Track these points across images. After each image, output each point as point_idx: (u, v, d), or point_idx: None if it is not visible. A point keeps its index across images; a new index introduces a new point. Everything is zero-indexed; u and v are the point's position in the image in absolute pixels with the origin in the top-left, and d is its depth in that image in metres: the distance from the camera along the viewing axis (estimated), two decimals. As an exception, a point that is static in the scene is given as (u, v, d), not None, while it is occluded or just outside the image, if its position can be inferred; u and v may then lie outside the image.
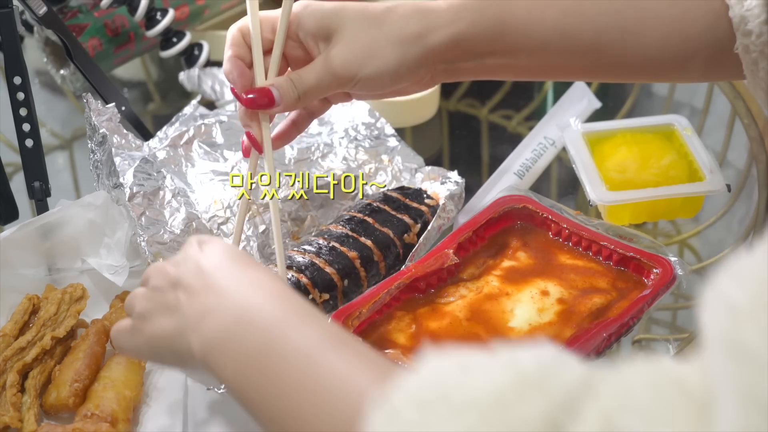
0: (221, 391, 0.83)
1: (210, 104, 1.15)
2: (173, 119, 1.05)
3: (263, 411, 0.62)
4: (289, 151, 1.02)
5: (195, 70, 1.15)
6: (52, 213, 0.95)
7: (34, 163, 1.02)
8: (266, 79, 0.83)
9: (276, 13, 0.83)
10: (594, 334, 0.81)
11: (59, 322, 0.88)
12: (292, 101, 0.82)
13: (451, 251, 0.90)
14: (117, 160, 0.94)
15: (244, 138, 0.84)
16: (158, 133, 1.04)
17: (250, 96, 0.82)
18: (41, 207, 1.01)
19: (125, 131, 0.98)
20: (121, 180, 0.93)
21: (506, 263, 0.91)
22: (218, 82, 1.13)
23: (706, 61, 0.83)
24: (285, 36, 0.82)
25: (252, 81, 0.83)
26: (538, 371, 0.50)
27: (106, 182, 0.95)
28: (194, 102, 1.08)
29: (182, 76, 1.14)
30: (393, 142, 1.06)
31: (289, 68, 0.85)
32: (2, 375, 0.83)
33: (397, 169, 1.04)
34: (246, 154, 0.85)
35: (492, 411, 0.49)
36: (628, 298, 0.86)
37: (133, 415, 0.83)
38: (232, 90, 0.83)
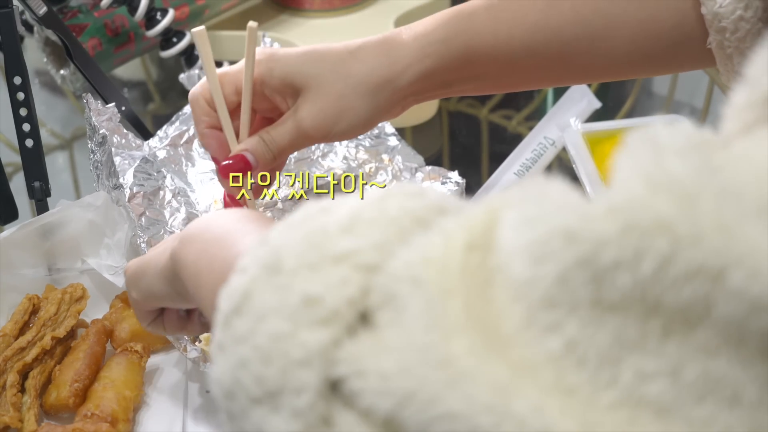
0: None
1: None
2: (173, 118, 1.05)
3: (203, 284, 0.62)
4: None
5: (195, 71, 1.15)
6: (52, 213, 0.95)
7: (34, 163, 1.02)
8: (237, 141, 0.82)
9: (234, 71, 0.81)
10: (594, 334, 0.81)
11: (59, 322, 0.88)
12: (268, 162, 0.81)
13: (451, 251, 0.90)
14: (117, 160, 0.94)
15: (225, 196, 0.85)
16: (158, 132, 1.04)
17: (227, 163, 0.81)
18: (41, 207, 1.01)
19: (125, 131, 0.98)
20: (121, 180, 0.93)
21: (506, 263, 0.90)
22: None
23: (675, 56, 0.82)
24: (251, 99, 0.81)
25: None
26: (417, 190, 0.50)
27: (106, 182, 0.95)
28: None
29: (182, 76, 1.14)
30: (393, 141, 1.06)
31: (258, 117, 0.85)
32: (2, 375, 0.83)
33: (398, 169, 1.04)
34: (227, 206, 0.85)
35: (374, 200, 0.49)
36: (628, 298, 0.85)
37: (133, 415, 0.83)
38: (214, 159, 0.83)
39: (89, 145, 0.97)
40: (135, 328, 0.89)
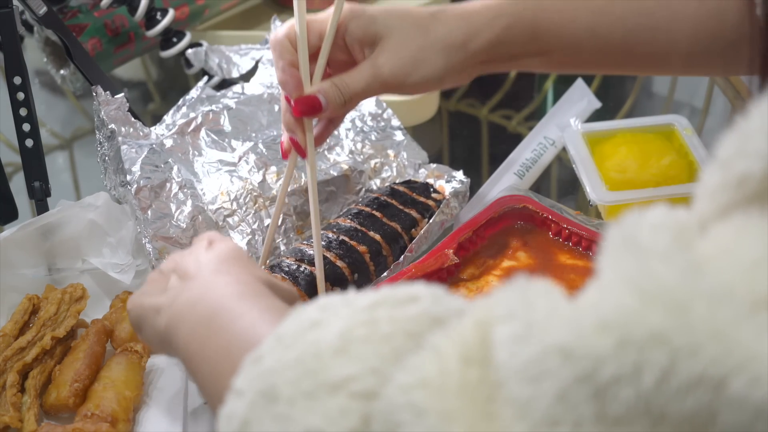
0: None
1: (216, 86, 1.14)
2: (180, 102, 1.05)
3: (197, 370, 0.64)
4: None
5: (202, 48, 1.14)
6: (52, 213, 0.95)
7: (34, 163, 1.02)
8: (311, 84, 0.84)
9: (320, 18, 0.84)
10: (594, 334, 0.81)
11: (59, 322, 0.88)
12: (338, 107, 0.83)
13: (451, 251, 0.90)
14: (124, 149, 0.94)
15: (284, 140, 0.87)
16: (165, 117, 1.03)
17: (299, 100, 0.83)
18: (41, 207, 1.01)
19: (133, 119, 0.97)
20: (128, 178, 0.93)
21: (506, 263, 0.91)
22: (225, 60, 1.13)
23: (734, 56, 0.84)
24: (332, 42, 0.84)
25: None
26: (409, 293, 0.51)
27: (113, 177, 0.95)
28: (200, 84, 1.07)
29: (189, 52, 1.14)
30: (399, 136, 1.06)
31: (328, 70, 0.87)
32: (2, 375, 0.83)
33: (402, 165, 1.04)
34: (285, 156, 0.88)
35: (364, 312, 0.49)
36: (628, 298, 0.85)
37: (133, 415, 0.83)
38: (286, 98, 0.84)
39: (97, 136, 0.97)
40: (135, 328, 0.89)
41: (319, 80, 0.84)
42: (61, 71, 1.21)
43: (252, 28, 1.30)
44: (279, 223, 0.97)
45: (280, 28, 0.85)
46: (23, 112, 1.01)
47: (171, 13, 1.20)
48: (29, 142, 1.01)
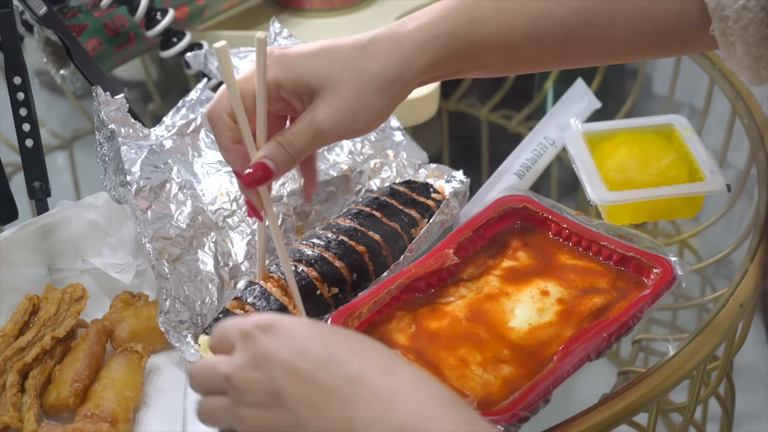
0: None
1: (215, 87, 1.14)
2: (179, 104, 1.04)
3: None
4: None
5: (202, 50, 1.14)
6: (52, 213, 0.95)
7: (34, 163, 1.02)
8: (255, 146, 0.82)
9: (248, 77, 0.81)
10: (594, 334, 0.81)
11: (59, 322, 0.88)
12: (287, 165, 0.82)
13: (451, 251, 0.90)
14: (124, 150, 0.94)
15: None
16: (164, 119, 1.03)
17: (248, 172, 0.81)
18: (41, 207, 1.02)
19: (133, 120, 0.97)
20: (128, 178, 0.93)
21: (506, 263, 0.91)
22: None
23: (677, 42, 0.83)
24: (266, 107, 0.81)
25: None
26: None
27: (113, 177, 0.95)
28: (200, 86, 1.07)
29: (189, 55, 1.14)
30: (399, 136, 1.06)
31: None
32: (2, 375, 0.83)
33: (402, 165, 1.05)
34: (251, 215, 0.87)
35: None
36: (628, 298, 0.85)
37: (133, 415, 0.83)
38: (235, 172, 0.83)
39: (96, 137, 0.97)
40: (135, 328, 0.89)
41: (264, 142, 0.82)
42: (61, 71, 1.21)
43: (252, 28, 1.30)
44: (279, 223, 0.98)
45: (212, 104, 0.82)
46: (23, 112, 1.01)
47: (171, 13, 1.20)
48: (29, 142, 1.01)
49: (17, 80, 1.00)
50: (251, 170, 0.81)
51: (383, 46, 0.81)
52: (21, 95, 1.01)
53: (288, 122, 0.86)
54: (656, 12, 0.81)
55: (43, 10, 1.07)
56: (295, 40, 1.10)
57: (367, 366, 0.62)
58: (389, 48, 0.81)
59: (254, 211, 0.85)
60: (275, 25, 1.10)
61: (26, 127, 1.01)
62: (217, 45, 0.78)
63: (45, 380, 0.85)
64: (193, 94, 1.06)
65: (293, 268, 0.90)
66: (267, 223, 0.85)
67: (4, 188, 1.01)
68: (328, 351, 0.63)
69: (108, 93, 0.96)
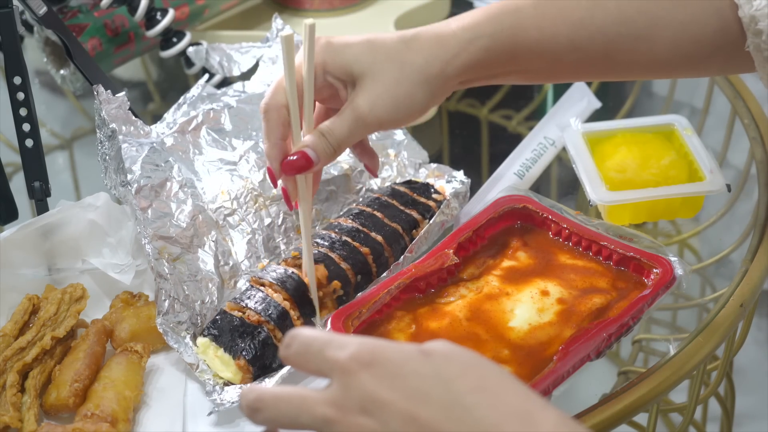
0: (222, 409, 0.82)
1: (217, 84, 1.14)
2: (180, 100, 1.04)
3: None
4: None
5: (203, 45, 1.14)
6: (52, 213, 0.95)
7: (34, 163, 1.02)
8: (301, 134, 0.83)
9: (297, 65, 0.82)
10: (594, 334, 0.81)
11: (59, 322, 0.88)
12: (328, 156, 0.83)
13: (451, 251, 0.90)
14: (125, 147, 0.94)
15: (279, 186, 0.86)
16: (166, 115, 1.03)
17: (289, 160, 0.82)
18: (41, 207, 1.02)
19: (134, 118, 0.97)
20: (129, 177, 0.93)
21: (506, 263, 0.91)
22: (226, 58, 1.13)
23: (718, 59, 0.84)
24: (314, 95, 0.83)
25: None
26: None
27: (113, 176, 0.95)
28: (201, 82, 1.07)
29: (190, 50, 1.14)
30: (399, 135, 1.06)
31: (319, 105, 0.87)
32: (2, 375, 0.83)
33: (403, 165, 1.05)
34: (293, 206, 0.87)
35: None
36: (628, 298, 0.85)
37: (133, 415, 0.83)
38: (269, 170, 0.84)
39: (98, 135, 0.97)
40: (135, 328, 0.89)
41: (310, 131, 0.83)
42: (61, 71, 1.21)
43: (252, 28, 1.30)
44: (280, 222, 0.98)
45: (267, 98, 0.83)
46: (23, 112, 1.01)
47: (171, 13, 1.20)
48: (29, 142, 1.01)
49: (17, 80, 1.00)
50: (292, 158, 0.82)
51: (427, 41, 0.83)
52: (21, 95, 1.01)
53: None
54: (696, 26, 0.81)
55: (43, 10, 1.07)
56: (297, 37, 1.10)
57: (501, 412, 0.54)
58: (433, 43, 0.83)
59: (287, 199, 0.86)
60: (277, 22, 1.10)
61: (26, 127, 1.01)
62: (284, 33, 0.80)
63: (45, 380, 0.85)
64: (194, 91, 1.06)
65: (283, 270, 0.90)
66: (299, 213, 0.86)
67: (4, 188, 1.01)
68: (450, 392, 0.55)
69: (109, 91, 0.96)
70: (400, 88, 0.82)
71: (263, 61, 1.10)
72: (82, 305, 0.89)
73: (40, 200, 1.02)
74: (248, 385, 0.58)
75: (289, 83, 0.81)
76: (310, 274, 0.88)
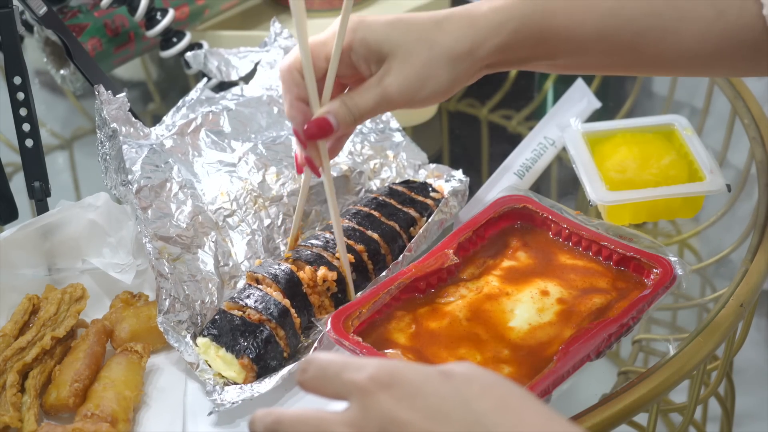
0: (222, 409, 0.83)
1: (215, 87, 1.14)
2: (179, 103, 1.05)
3: None
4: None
5: (202, 50, 1.14)
6: (52, 213, 0.95)
7: (34, 163, 1.02)
8: (320, 104, 0.85)
9: (324, 39, 0.84)
10: (594, 334, 0.81)
11: (59, 322, 0.88)
12: (348, 125, 0.84)
13: (451, 251, 0.90)
14: (125, 149, 0.94)
15: (298, 154, 0.88)
16: (165, 118, 1.03)
17: (310, 125, 0.84)
18: (41, 207, 1.02)
19: (134, 119, 0.98)
20: (129, 177, 0.93)
21: (506, 263, 0.91)
22: (224, 62, 1.13)
23: (744, 57, 0.84)
24: (337, 65, 0.84)
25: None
26: None
27: (114, 176, 0.95)
28: (200, 86, 1.08)
29: (189, 55, 1.14)
30: (398, 137, 1.06)
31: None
32: (2, 375, 0.83)
33: (402, 166, 1.05)
34: (300, 171, 0.89)
35: None
36: (628, 298, 0.85)
37: (133, 415, 0.83)
38: (294, 131, 0.85)
39: (98, 135, 0.97)
40: (135, 328, 0.89)
41: (329, 100, 0.85)
42: (61, 71, 1.21)
43: (252, 29, 1.30)
44: (279, 223, 0.98)
45: (285, 59, 0.85)
46: (23, 112, 1.01)
47: (171, 13, 1.20)
48: (29, 142, 1.02)
49: (17, 80, 1.00)
50: (313, 125, 0.84)
51: (457, 22, 0.83)
52: (21, 95, 1.01)
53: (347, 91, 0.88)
54: (724, 22, 0.82)
55: (43, 10, 1.07)
56: (295, 41, 1.10)
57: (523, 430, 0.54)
58: (463, 24, 0.83)
59: (312, 166, 0.87)
60: (275, 26, 1.10)
61: (26, 127, 1.01)
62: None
63: (45, 380, 0.85)
64: (193, 94, 1.06)
65: (277, 265, 0.90)
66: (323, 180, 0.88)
67: (4, 188, 1.02)
68: (471, 412, 0.54)
69: (109, 92, 0.96)
70: (429, 68, 0.83)
71: (261, 66, 1.10)
72: (82, 305, 0.90)
73: (40, 200, 1.02)
74: (265, 410, 0.57)
75: (303, 50, 0.82)
76: (339, 237, 0.90)
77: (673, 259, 0.87)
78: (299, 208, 0.93)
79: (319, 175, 0.88)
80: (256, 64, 1.11)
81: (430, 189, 1.00)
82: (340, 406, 0.58)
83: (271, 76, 1.09)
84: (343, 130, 0.85)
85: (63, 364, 0.86)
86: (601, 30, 0.84)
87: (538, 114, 1.23)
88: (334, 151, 0.89)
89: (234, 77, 1.13)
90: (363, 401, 0.56)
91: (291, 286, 0.89)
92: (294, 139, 0.87)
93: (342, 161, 1.03)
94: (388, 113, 1.07)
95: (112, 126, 0.95)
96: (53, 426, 0.80)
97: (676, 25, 0.83)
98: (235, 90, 1.08)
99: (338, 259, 0.91)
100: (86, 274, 0.96)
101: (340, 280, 0.91)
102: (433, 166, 1.05)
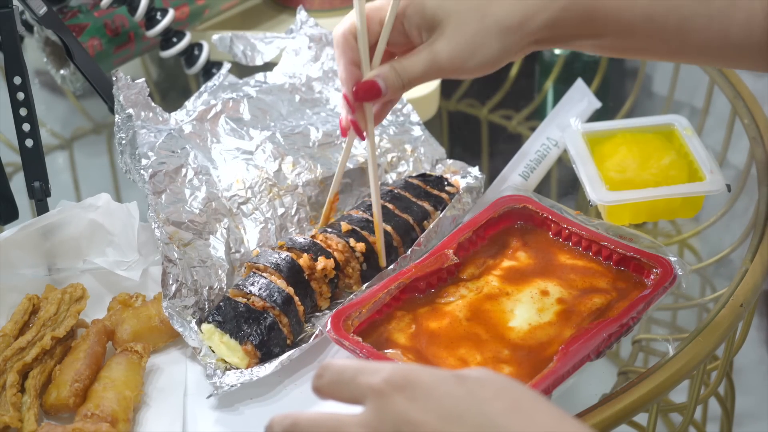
0: (221, 392, 0.83)
1: (239, 73, 1.14)
2: (201, 89, 1.05)
3: None
4: (314, 132, 1.03)
5: (228, 33, 1.14)
6: (52, 214, 0.95)
7: (34, 163, 1.02)
8: (371, 68, 0.87)
9: (379, 5, 0.86)
10: (594, 334, 0.81)
11: (59, 322, 0.88)
12: (396, 90, 0.86)
13: (451, 251, 0.90)
14: (143, 133, 0.94)
15: (342, 118, 0.90)
16: (186, 103, 1.03)
17: (359, 87, 0.86)
18: (41, 207, 1.02)
19: (153, 104, 0.98)
20: (144, 162, 0.93)
21: (506, 263, 0.91)
22: (250, 47, 1.13)
23: None
24: (390, 30, 0.86)
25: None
26: None
27: (129, 161, 0.95)
28: (223, 71, 1.07)
29: (215, 37, 1.13)
30: (417, 131, 1.07)
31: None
32: (2, 375, 0.83)
33: (419, 160, 1.05)
34: (344, 134, 0.92)
35: None
36: (628, 298, 0.86)
37: (133, 415, 0.83)
38: (344, 96, 0.87)
39: (116, 119, 0.97)
40: (136, 329, 0.89)
41: (378, 64, 0.87)
42: (61, 71, 1.21)
43: (252, 28, 1.30)
44: (293, 213, 0.98)
45: (341, 24, 0.87)
46: (23, 112, 1.01)
47: (171, 13, 1.20)
48: (29, 142, 1.01)
49: (17, 80, 1.00)
50: (363, 88, 0.86)
51: None
52: (21, 95, 1.01)
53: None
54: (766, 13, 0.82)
55: (43, 10, 1.07)
56: (321, 30, 1.10)
57: None
58: None
59: (358, 129, 0.88)
60: (301, 14, 1.11)
61: (26, 127, 1.01)
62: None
63: (45, 380, 0.85)
64: (216, 80, 1.06)
65: (277, 254, 0.90)
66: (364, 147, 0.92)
67: (4, 188, 1.01)
68: (484, 413, 0.55)
69: (128, 77, 0.96)
70: (480, 37, 0.84)
71: (287, 53, 1.10)
72: (82, 305, 0.90)
73: (40, 200, 1.02)
74: (282, 413, 0.58)
75: (359, 12, 0.84)
76: (376, 203, 0.92)
77: (673, 259, 0.87)
78: (340, 168, 0.95)
79: (363, 138, 0.89)
80: (282, 51, 1.11)
81: (446, 183, 1.00)
82: (354, 410, 0.59)
83: (295, 63, 1.09)
84: (391, 95, 0.86)
85: (63, 364, 0.86)
86: (649, 12, 0.84)
87: (538, 114, 1.23)
88: (379, 117, 0.91)
89: (259, 62, 1.12)
90: (378, 403, 0.57)
91: (293, 273, 0.89)
92: (341, 103, 0.88)
93: (359, 153, 1.03)
94: (409, 106, 1.08)
95: (127, 111, 0.95)
96: (53, 426, 0.80)
97: (722, 12, 0.83)
98: (258, 76, 1.08)
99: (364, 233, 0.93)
100: (87, 273, 0.96)
101: (369, 251, 0.92)
102: (450, 161, 1.05)
